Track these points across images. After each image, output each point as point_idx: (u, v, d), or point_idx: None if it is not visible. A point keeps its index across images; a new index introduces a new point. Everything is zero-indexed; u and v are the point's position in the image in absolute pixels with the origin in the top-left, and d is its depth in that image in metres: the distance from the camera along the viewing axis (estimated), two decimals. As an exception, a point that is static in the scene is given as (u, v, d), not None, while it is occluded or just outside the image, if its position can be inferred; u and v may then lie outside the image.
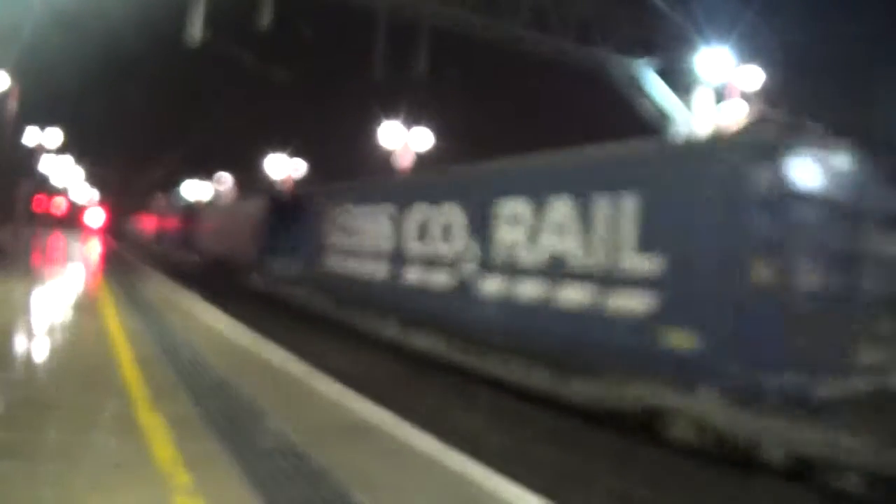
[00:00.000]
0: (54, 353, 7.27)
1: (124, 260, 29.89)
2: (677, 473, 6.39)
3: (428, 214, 11.05)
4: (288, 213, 18.15)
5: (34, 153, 40.16)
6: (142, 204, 79.81)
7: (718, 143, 7.38)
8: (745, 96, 19.36)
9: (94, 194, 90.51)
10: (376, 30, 15.53)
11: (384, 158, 35.04)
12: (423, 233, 11.11)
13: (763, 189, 6.22)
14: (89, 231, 73.50)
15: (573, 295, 7.91)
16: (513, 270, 8.89)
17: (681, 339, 6.64)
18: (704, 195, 6.68)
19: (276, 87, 17.56)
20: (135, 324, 9.38)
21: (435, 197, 10.96)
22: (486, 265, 9.43)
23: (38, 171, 41.24)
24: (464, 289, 9.81)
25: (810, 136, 6.87)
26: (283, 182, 40.18)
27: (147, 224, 57.08)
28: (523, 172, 9.56)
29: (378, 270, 12.28)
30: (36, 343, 7.71)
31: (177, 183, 73.11)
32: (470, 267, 9.77)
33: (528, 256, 8.69)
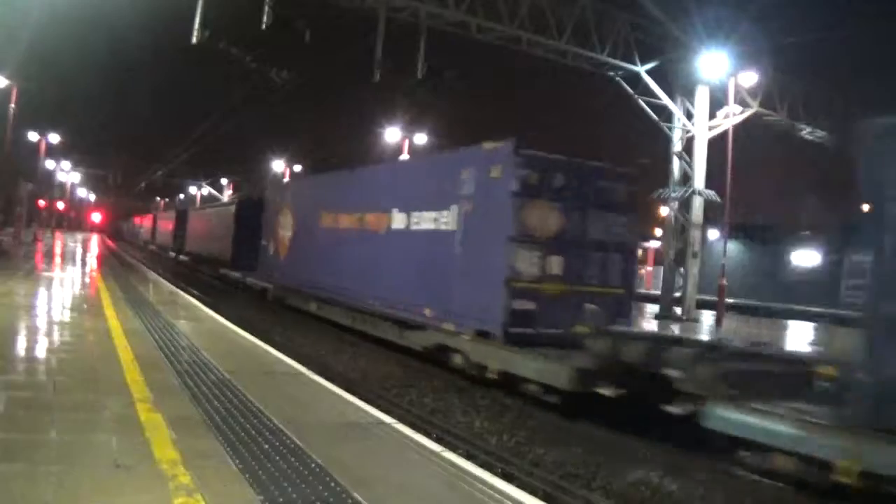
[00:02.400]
0: (55, 352, 7.29)
1: (120, 259, 29.92)
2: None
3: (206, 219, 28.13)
4: (182, 219, 36.39)
5: (35, 155, 40.17)
6: (140, 205, 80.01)
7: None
8: (742, 98, 19.42)
9: (93, 196, 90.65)
10: (375, 32, 15.54)
11: (382, 158, 35.03)
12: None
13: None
14: (89, 232, 73.41)
15: None
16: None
17: None
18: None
19: (276, 89, 17.57)
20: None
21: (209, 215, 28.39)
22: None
23: (38, 173, 41.24)
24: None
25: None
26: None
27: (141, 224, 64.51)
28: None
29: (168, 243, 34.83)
30: (36, 343, 7.74)
31: (175, 185, 73.07)
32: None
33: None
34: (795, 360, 7.63)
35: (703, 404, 6.59)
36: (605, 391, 7.89)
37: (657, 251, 32.78)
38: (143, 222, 64.50)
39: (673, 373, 7.16)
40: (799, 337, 15.73)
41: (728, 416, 6.29)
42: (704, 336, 12.42)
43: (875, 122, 5.81)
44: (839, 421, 5.66)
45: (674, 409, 7.16)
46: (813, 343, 14.46)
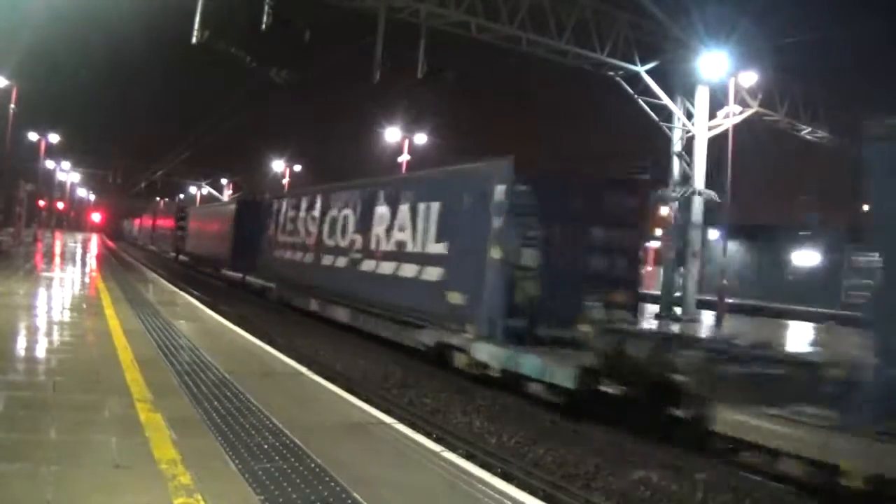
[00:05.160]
0: (54, 352, 7.29)
1: (120, 259, 29.95)
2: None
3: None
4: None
5: (35, 155, 40.20)
6: (139, 205, 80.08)
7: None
8: (742, 98, 19.42)
9: (92, 196, 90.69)
10: (375, 32, 15.54)
11: (381, 158, 35.02)
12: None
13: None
14: (88, 232, 73.42)
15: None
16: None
17: None
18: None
19: (275, 89, 17.57)
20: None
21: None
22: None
23: (38, 173, 41.27)
24: None
25: None
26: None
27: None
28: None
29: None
30: (36, 343, 7.74)
31: (175, 185, 73.04)
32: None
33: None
34: (801, 362, 7.48)
35: (709, 407, 6.51)
36: (610, 390, 7.94)
37: (656, 251, 32.69)
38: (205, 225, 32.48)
39: (679, 377, 7.08)
40: (800, 338, 15.76)
41: (735, 419, 6.23)
42: (707, 336, 12.49)
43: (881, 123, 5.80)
44: (845, 423, 5.57)
45: (680, 412, 7.13)
46: (814, 344, 14.53)
